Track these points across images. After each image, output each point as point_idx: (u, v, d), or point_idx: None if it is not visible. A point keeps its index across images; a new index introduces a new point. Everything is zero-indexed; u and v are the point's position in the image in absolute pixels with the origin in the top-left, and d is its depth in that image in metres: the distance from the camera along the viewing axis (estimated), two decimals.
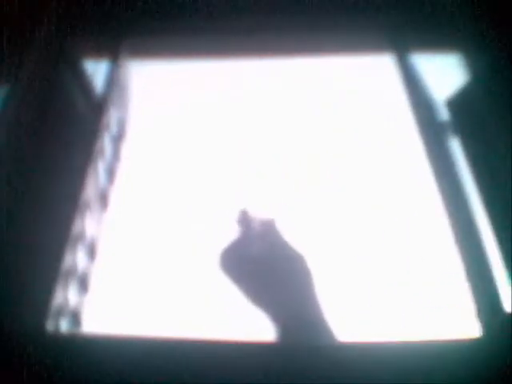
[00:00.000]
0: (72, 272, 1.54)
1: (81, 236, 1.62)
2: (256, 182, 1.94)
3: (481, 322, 1.26)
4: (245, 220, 1.71)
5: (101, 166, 1.83)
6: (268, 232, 1.70)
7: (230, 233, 1.72)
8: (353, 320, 1.54)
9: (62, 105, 1.91)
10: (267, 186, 1.93)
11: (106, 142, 1.89)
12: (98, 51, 2.10)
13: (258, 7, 2.09)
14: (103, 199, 1.86)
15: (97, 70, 2.04)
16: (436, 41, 2.02)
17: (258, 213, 1.78)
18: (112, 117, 1.96)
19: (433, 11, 2.00)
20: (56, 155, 1.78)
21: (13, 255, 1.47)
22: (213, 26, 2.13)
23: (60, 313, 1.45)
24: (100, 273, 1.69)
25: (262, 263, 1.58)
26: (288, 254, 1.62)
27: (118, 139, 2.03)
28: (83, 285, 1.63)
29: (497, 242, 1.43)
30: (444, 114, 1.74)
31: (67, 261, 1.49)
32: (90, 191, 1.69)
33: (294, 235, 1.73)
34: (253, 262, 1.59)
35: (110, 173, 1.92)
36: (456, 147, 1.65)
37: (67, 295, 1.51)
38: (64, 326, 1.48)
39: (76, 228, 1.57)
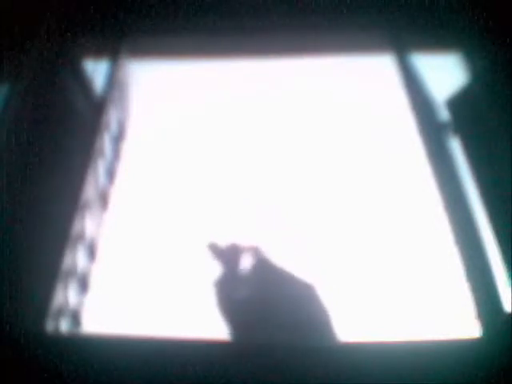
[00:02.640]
0: (72, 272, 1.54)
1: (81, 236, 1.62)
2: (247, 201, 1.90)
3: (481, 322, 1.26)
4: (233, 254, 1.63)
5: (101, 166, 1.83)
6: (260, 266, 1.62)
7: (217, 268, 1.64)
8: (354, 320, 1.53)
9: (62, 105, 1.91)
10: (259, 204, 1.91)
11: (106, 142, 1.89)
12: (98, 51, 2.10)
13: (258, 8, 2.09)
14: (103, 199, 1.85)
15: (97, 70, 2.04)
16: (436, 41, 2.02)
17: (245, 244, 1.68)
18: (112, 117, 1.96)
19: (432, 11, 2.00)
20: (56, 155, 1.78)
21: (13, 255, 1.47)
22: (213, 27, 2.13)
23: (60, 313, 1.44)
24: (100, 273, 1.69)
25: (261, 307, 1.50)
26: (290, 290, 1.55)
27: (118, 139, 2.03)
28: (83, 285, 1.63)
29: (497, 243, 1.43)
30: (444, 114, 1.74)
31: (67, 261, 1.49)
32: (89, 191, 1.69)
33: (292, 250, 1.70)
34: (247, 307, 1.51)
35: (110, 173, 1.92)
36: (456, 147, 1.65)
37: (67, 295, 1.51)
38: (64, 325, 1.47)
39: (76, 228, 1.56)
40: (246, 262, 1.64)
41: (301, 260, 1.69)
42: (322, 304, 1.53)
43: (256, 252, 1.67)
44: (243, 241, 1.73)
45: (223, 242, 1.75)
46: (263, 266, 1.63)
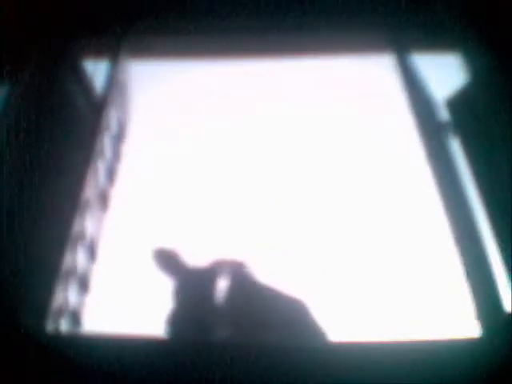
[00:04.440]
0: (72, 272, 1.54)
1: (81, 236, 1.62)
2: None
3: (481, 322, 1.26)
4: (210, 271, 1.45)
5: (101, 166, 1.83)
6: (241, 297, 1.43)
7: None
8: (354, 320, 1.53)
9: (62, 105, 1.91)
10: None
11: (105, 142, 1.89)
12: (98, 51, 2.10)
13: (259, 8, 2.09)
14: (103, 199, 1.85)
15: (97, 70, 2.04)
16: (436, 41, 2.02)
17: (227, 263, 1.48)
18: (112, 117, 1.96)
19: (433, 11, 2.00)
20: (56, 155, 1.78)
21: (13, 255, 1.47)
22: (213, 26, 2.13)
23: (60, 313, 1.44)
24: (100, 273, 1.69)
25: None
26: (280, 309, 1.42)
27: (118, 139, 2.03)
28: (83, 285, 1.63)
29: (497, 243, 1.43)
30: (444, 114, 1.75)
31: (67, 261, 1.49)
32: (89, 191, 1.69)
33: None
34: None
35: (110, 173, 1.92)
36: (456, 147, 1.66)
37: (67, 295, 1.51)
38: (64, 325, 1.47)
39: (76, 228, 1.56)
40: (224, 282, 1.49)
41: (299, 265, 1.69)
42: (313, 322, 1.45)
43: (237, 269, 1.52)
44: (223, 255, 1.61)
45: (194, 254, 1.63)
46: (246, 292, 1.47)
